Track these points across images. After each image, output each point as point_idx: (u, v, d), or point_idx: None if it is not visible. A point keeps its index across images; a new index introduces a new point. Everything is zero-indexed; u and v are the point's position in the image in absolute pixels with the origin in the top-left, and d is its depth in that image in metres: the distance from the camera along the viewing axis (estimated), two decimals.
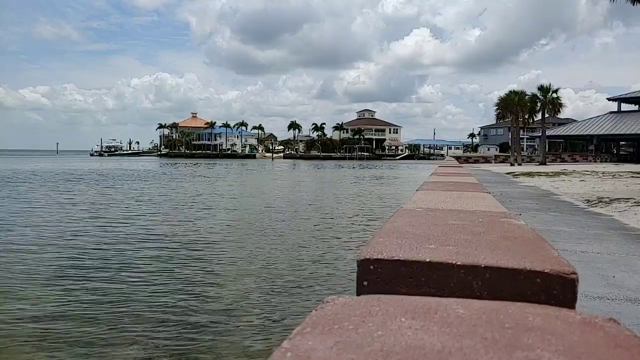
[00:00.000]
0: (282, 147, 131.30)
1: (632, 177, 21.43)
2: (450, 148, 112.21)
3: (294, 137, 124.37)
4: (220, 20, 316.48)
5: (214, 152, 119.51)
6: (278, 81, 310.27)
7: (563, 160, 53.45)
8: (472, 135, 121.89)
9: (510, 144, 56.85)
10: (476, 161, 55.44)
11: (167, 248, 10.94)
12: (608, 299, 4.10)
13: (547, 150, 53.54)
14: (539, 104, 48.54)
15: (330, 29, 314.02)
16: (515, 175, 25.87)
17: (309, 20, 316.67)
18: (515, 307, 0.89)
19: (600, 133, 56.50)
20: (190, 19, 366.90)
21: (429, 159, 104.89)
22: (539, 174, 25.91)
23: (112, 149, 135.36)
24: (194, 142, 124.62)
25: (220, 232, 13.14)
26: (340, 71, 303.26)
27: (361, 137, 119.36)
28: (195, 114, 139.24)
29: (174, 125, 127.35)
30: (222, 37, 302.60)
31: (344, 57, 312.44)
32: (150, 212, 17.24)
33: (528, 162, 52.06)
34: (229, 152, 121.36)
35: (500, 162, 54.67)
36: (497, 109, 50.57)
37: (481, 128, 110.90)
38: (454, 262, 1.08)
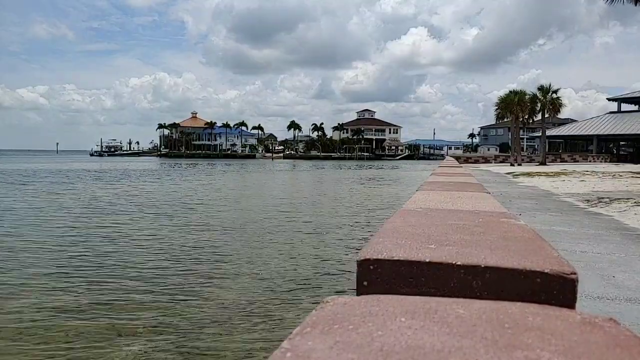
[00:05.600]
0: (282, 147, 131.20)
1: (632, 177, 21.43)
2: (450, 148, 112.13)
3: (294, 137, 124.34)
4: (216, 19, 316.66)
5: (214, 153, 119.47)
6: (276, 81, 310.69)
7: (563, 160, 53.45)
8: (472, 136, 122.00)
9: (510, 144, 56.83)
10: (476, 161, 55.38)
11: (167, 248, 10.94)
12: (608, 299, 4.10)
13: (547, 150, 53.56)
14: (539, 104, 48.49)
15: (327, 28, 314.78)
16: (515, 175, 25.87)
17: (305, 19, 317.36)
18: (515, 307, 0.89)
19: (600, 133, 56.58)
20: (186, 18, 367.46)
21: (429, 159, 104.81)
22: (538, 174, 25.91)
23: (112, 149, 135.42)
24: (194, 142, 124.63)
25: (219, 232, 13.14)
26: (338, 71, 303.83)
27: (361, 137, 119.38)
28: (196, 114, 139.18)
29: (174, 125, 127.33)
30: (218, 37, 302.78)
31: (341, 57, 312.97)
32: (151, 212, 17.23)
33: (528, 162, 52.05)
34: (229, 152, 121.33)
35: (500, 162, 54.61)
36: (496, 109, 50.48)
37: (481, 128, 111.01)
38: (454, 262, 1.08)
